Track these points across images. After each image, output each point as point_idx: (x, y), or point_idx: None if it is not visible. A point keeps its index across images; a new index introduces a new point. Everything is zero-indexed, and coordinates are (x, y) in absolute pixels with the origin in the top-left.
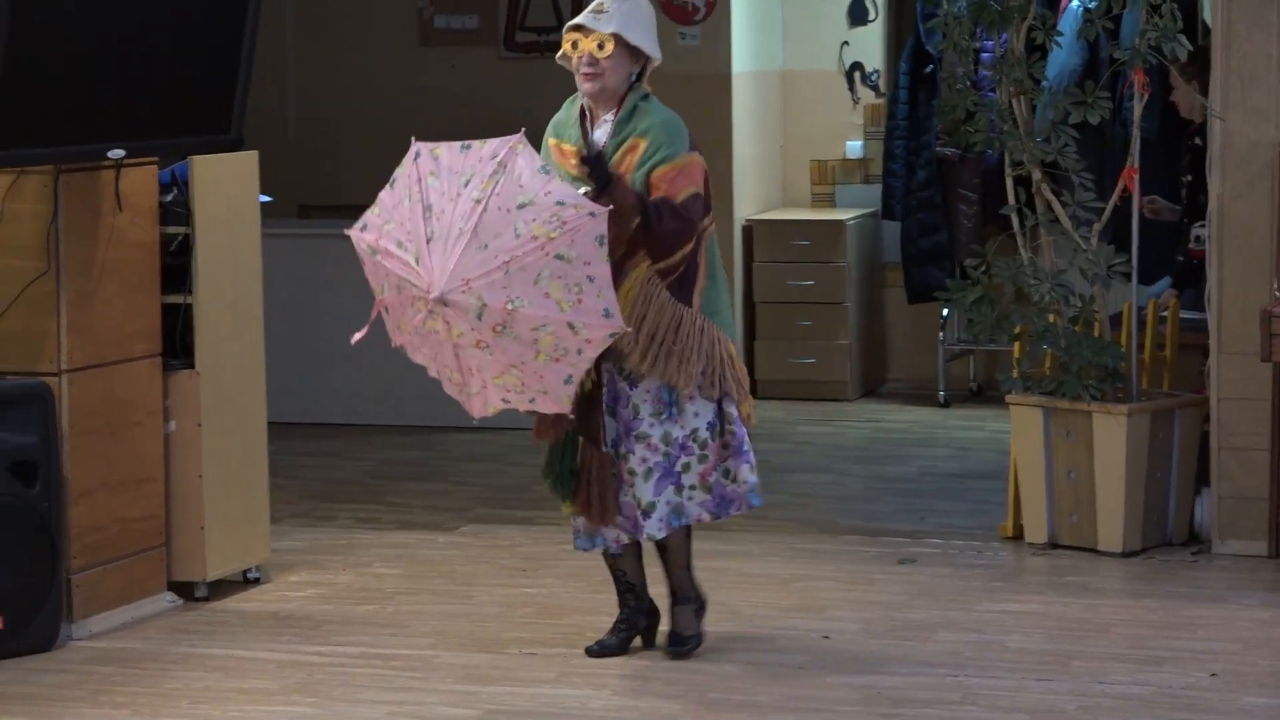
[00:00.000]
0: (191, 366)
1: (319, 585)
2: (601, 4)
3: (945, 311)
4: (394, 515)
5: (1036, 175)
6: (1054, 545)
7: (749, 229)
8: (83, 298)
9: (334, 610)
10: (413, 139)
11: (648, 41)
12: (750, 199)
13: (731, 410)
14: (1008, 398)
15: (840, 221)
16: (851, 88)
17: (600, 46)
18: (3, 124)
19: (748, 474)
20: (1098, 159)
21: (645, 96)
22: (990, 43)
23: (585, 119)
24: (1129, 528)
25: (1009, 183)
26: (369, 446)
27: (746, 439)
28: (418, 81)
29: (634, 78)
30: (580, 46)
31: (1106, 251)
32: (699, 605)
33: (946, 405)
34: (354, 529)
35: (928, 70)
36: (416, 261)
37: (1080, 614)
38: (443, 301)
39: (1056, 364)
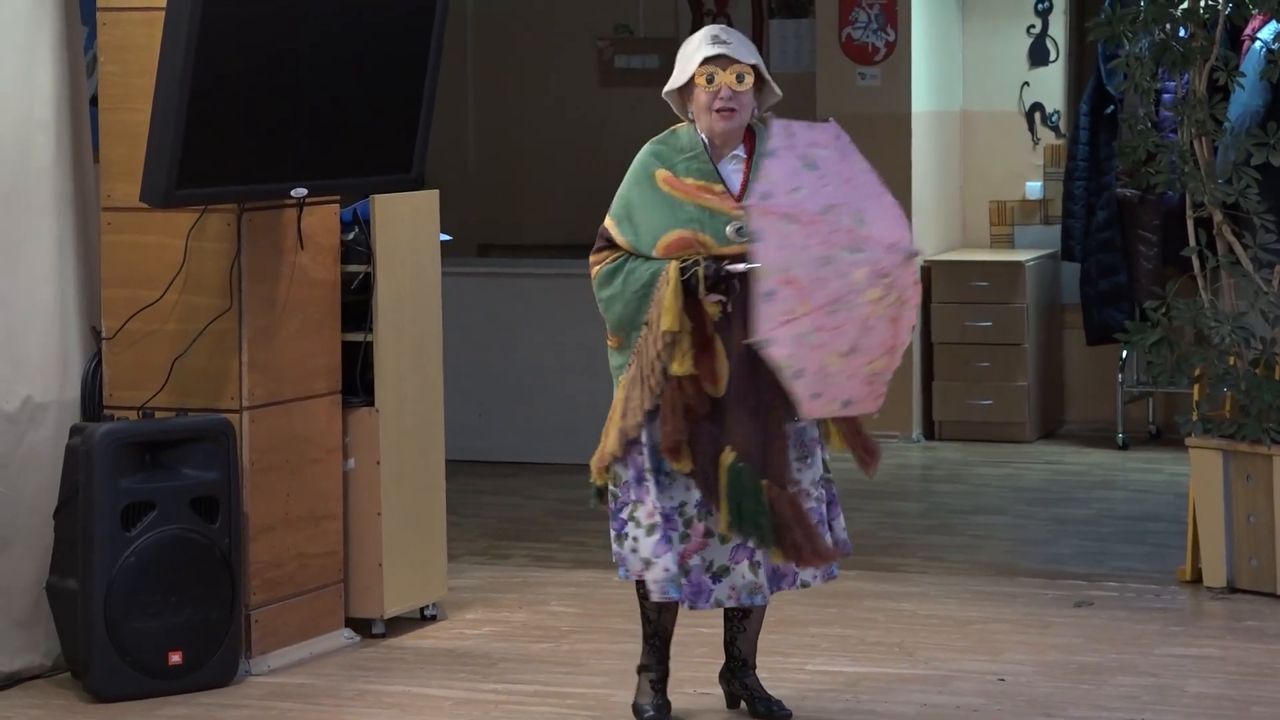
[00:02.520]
0: (371, 404)
1: (495, 623)
2: (718, 36)
3: (1124, 353)
4: (570, 554)
5: (1218, 217)
6: (1233, 589)
7: (928, 270)
8: (264, 335)
9: (510, 648)
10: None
11: (770, 79)
12: (929, 240)
13: (826, 456)
14: (1187, 440)
15: (1019, 263)
16: (1032, 128)
17: (739, 79)
18: (188, 164)
19: (841, 529)
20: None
21: (762, 129)
22: (1172, 84)
23: (708, 150)
24: None
25: (1190, 224)
26: (546, 485)
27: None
28: (597, 121)
29: (754, 113)
30: (717, 80)
31: None
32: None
33: (1125, 448)
34: (530, 567)
35: (1108, 111)
36: (862, 223)
37: (1259, 659)
38: (912, 258)
39: (1236, 407)
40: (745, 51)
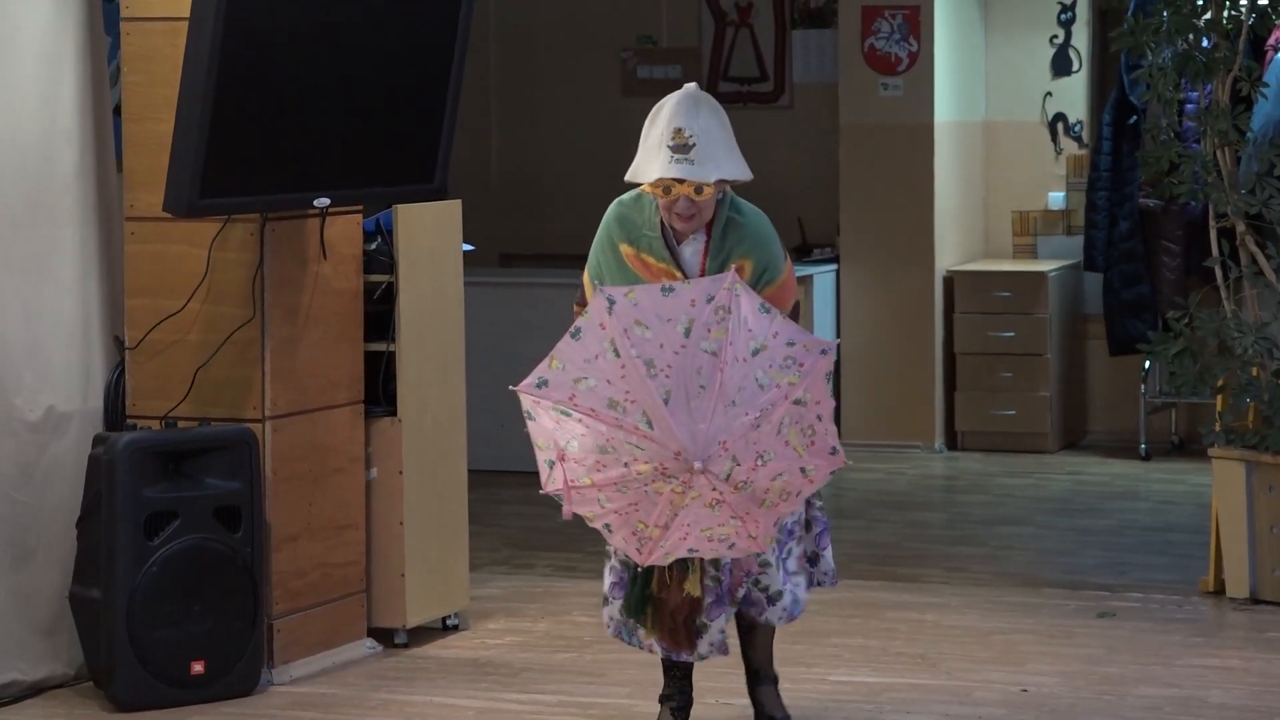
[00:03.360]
0: (394, 414)
1: (517, 633)
2: (682, 135)
3: (1147, 364)
4: (592, 564)
5: (1240, 227)
6: (1256, 600)
7: (950, 280)
8: (287, 345)
9: (532, 658)
10: (596, 285)
11: (738, 166)
12: (951, 250)
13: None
14: (1210, 451)
15: (1042, 273)
16: (1054, 139)
17: (698, 191)
18: (210, 173)
19: (828, 561)
20: None
21: (732, 204)
22: (1195, 94)
23: (666, 233)
24: None
25: (1213, 235)
26: None
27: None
28: (620, 132)
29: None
30: (675, 191)
31: None
32: (777, 682)
33: (1148, 458)
34: (553, 577)
35: (1131, 121)
36: (650, 425)
37: None
38: (702, 470)
39: (1259, 417)
40: (707, 164)
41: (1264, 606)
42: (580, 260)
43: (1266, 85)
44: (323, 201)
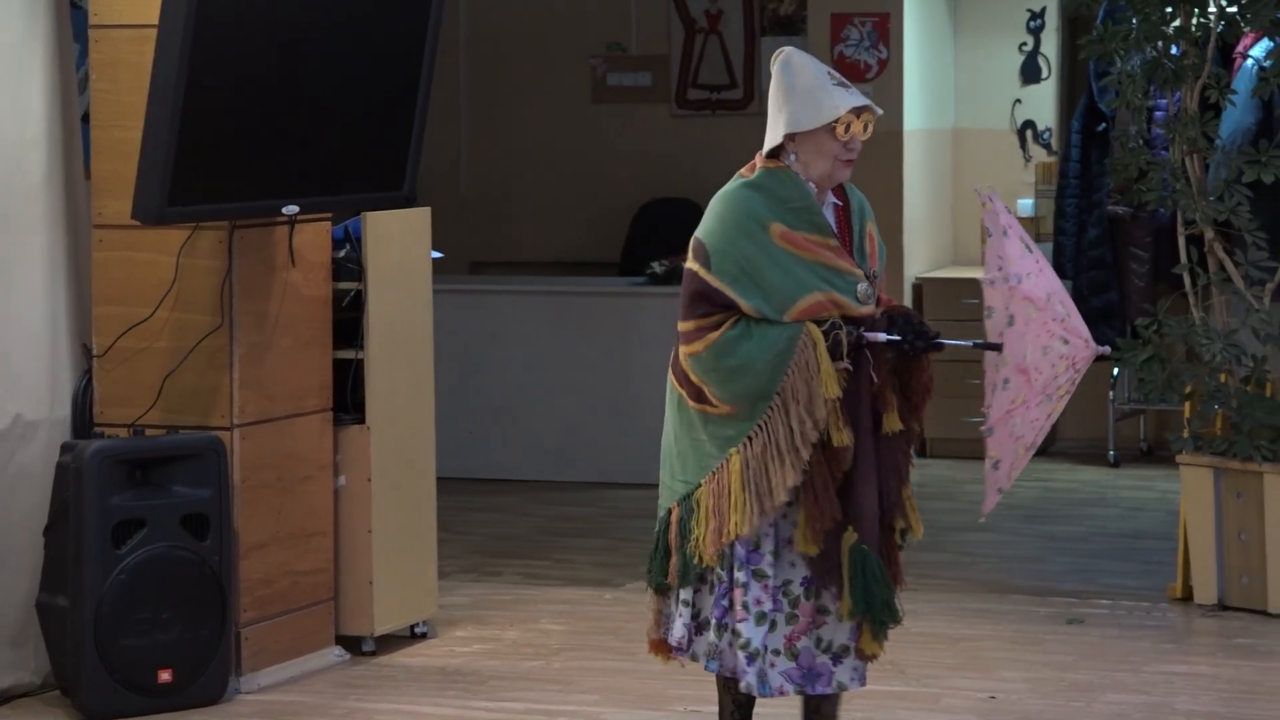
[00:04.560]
0: (362, 421)
1: (485, 641)
2: (834, 75)
3: (1116, 371)
4: (561, 571)
5: (1209, 234)
6: (1224, 607)
7: (919, 287)
8: (255, 352)
9: (500, 666)
10: (977, 191)
11: None
12: (921, 257)
13: None
14: (1178, 458)
15: None
16: (1023, 146)
17: (865, 129)
18: (179, 180)
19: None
20: (1271, 218)
21: None
22: (1164, 101)
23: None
24: None
25: (1181, 241)
26: (537, 503)
27: None
28: (590, 139)
29: None
30: (852, 129)
31: (1279, 311)
32: None
33: (1116, 465)
34: (521, 585)
35: (1100, 128)
36: (1068, 314)
37: (1251, 677)
38: (1100, 354)
39: (1228, 424)
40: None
41: (1232, 613)
42: (551, 267)
43: (1235, 92)
44: (291, 209)
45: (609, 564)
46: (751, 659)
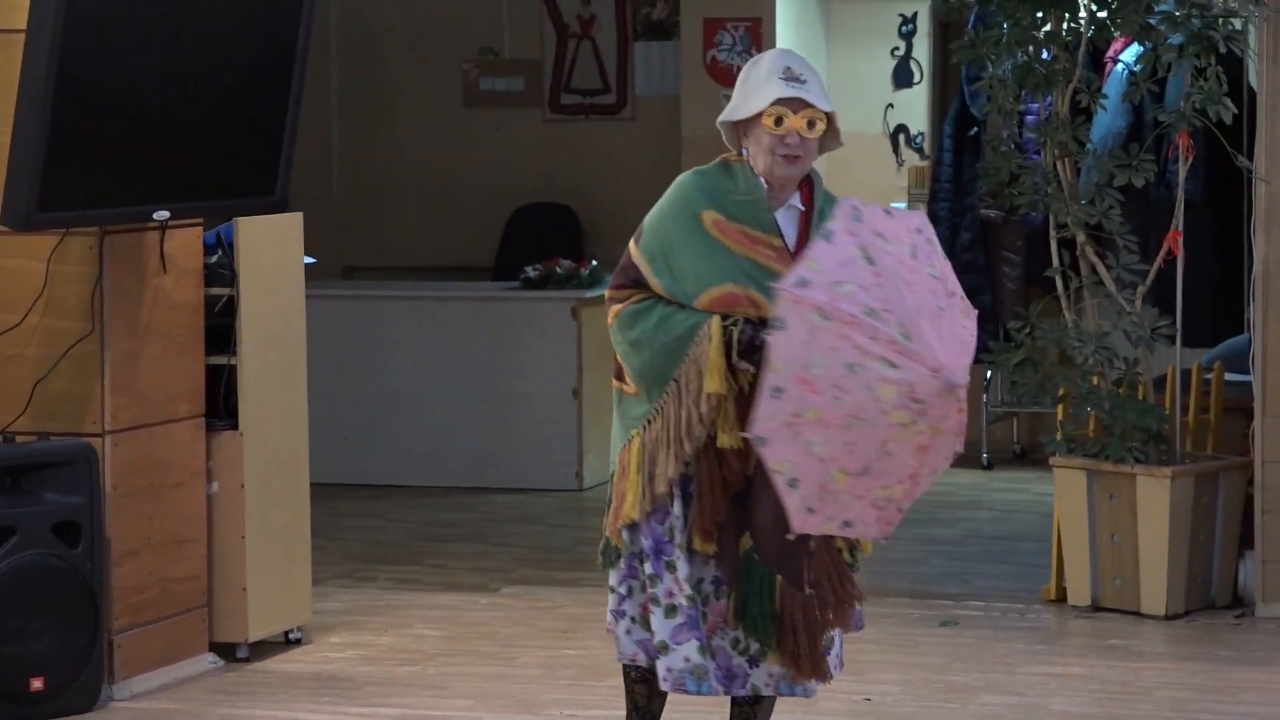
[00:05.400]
0: (235, 427)
1: (360, 646)
2: (792, 70)
3: (989, 373)
4: (436, 577)
5: (1081, 238)
6: (1097, 608)
7: None
8: (127, 358)
9: (375, 671)
10: (841, 197)
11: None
12: None
13: None
14: (1051, 460)
15: None
16: (896, 150)
17: (810, 125)
18: (49, 186)
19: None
20: (1142, 222)
21: (819, 178)
22: (1035, 105)
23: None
24: (1173, 590)
25: (1053, 245)
26: (412, 508)
27: None
28: (463, 144)
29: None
30: (786, 124)
31: (1151, 314)
32: None
33: (990, 467)
34: (396, 590)
35: (972, 133)
36: (908, 338)
37: (1124, 677)
38: (955, 390)
39: (1100, 427)
40: (820, 95)
41: (1105, 614)
42: (424, 271)
43: (1105, 97)
44: (162, 214)
45: (485, 569)
46: (660, 652)
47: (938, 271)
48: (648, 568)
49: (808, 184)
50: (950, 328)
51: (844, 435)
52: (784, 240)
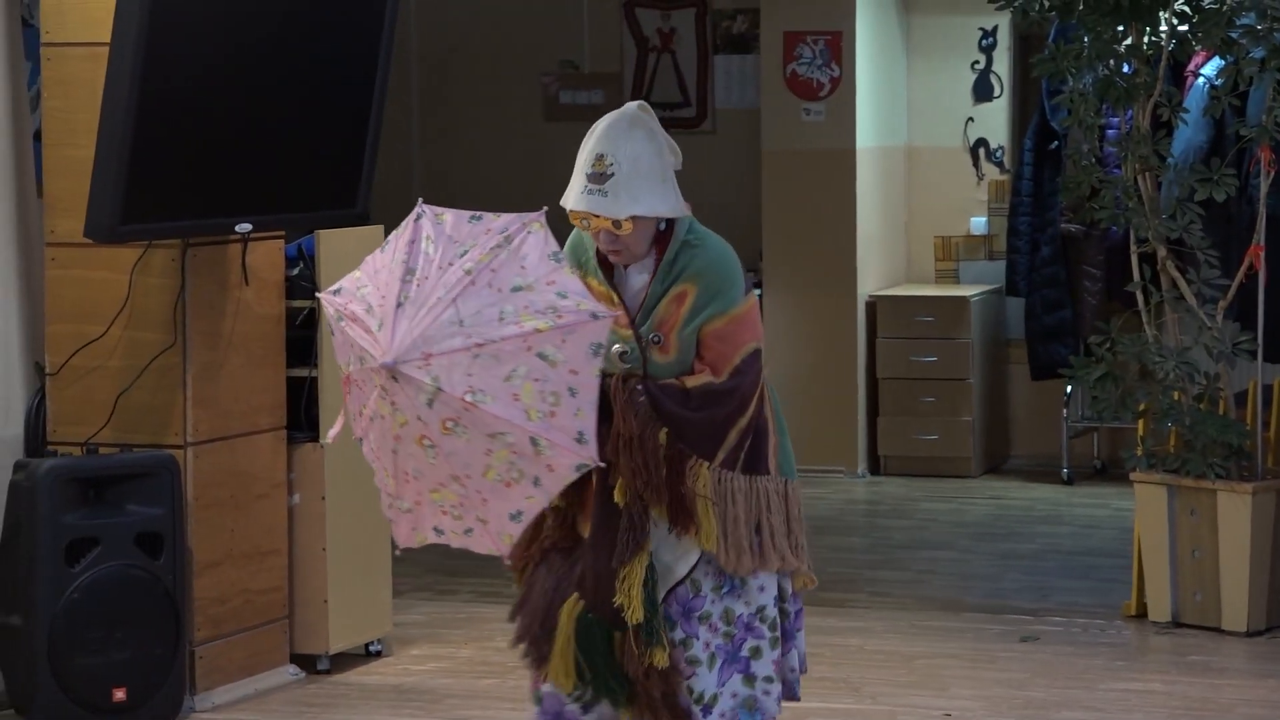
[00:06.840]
0: (316, 439)
1: (440, 659)
2: (602, 162)
3: (1069, 388)
4: (516, 590)
5: (1161, 252)
6: (1178, 624)
7: (872, 305)
8: (208, 370)
9: (455, 684)
10: (419, 200)
11: (665, 200)
12: (874, 275)
13: (786, 585)
14: (1132, 475)
15: (964, 298)
16: (976, 164)
17: (616, 225)
18: (132, 198)
19: (795, 661)
20: (1223, 236)
21: (691, 229)
22: (1116, 119)
23: (604, 258)
24: (1254, 606)
25: (1134, 259)
26: None
27: (801, 617)
28: (543, 156)
29: (662, 225)
30: (593, 224)
31: (1232, 329)
32: None
33: (1070, 482)
34: (475, 603)
35: (1053, 146)
36: (379, 327)
37: (1204, 694)
38: (393, 373)
39: (1181, 442)
40: (622, 198)
41: (1186, 630)
42: None
43: (1187, 110)
44: (244, 227)
45: None
46: (708, 709)
47: (474, 266)
48: None
49: (665, 239)
50: (439, 312)
51: (369, 426)
52: (623, 298)
